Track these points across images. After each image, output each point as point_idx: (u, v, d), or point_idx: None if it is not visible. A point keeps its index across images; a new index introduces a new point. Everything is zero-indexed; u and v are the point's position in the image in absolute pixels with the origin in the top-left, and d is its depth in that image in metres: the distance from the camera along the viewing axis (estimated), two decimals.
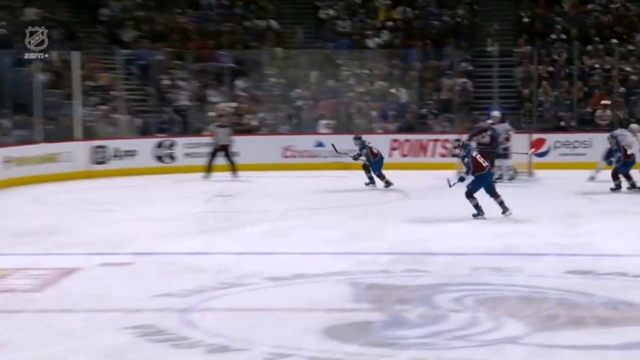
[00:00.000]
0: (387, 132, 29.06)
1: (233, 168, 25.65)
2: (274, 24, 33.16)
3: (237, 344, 10.73)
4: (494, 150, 23.03)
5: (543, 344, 10.67)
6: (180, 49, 31.36)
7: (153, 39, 32.09)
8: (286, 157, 27.65)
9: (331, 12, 33.45)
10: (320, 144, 28.05)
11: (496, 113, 24.73)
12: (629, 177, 21.65)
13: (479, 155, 18.45)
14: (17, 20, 31.02)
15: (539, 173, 24.95)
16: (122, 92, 29.15)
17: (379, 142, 28.06)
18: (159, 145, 27.21)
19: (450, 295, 12.80)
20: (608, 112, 28.44)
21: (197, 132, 28.64)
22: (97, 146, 26.63)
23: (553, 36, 31.94)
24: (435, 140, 27.50)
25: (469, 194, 18.24)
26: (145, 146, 26.87)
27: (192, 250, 16.27)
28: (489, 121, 24.19)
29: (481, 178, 18.19)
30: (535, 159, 26.01)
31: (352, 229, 18.00)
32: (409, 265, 14.64)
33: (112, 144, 27.11)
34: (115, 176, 25.27)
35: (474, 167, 18.13)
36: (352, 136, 24.66)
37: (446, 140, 26.89)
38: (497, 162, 23.46)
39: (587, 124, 28.91)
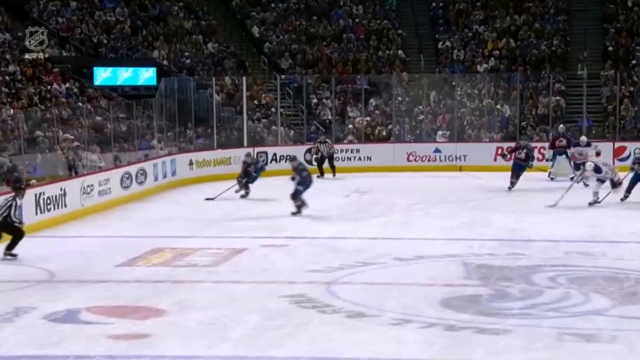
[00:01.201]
0: (492, 140, 28.62)
1: (333, 171, 25.73)
2: (401, 53, 32.95)
3: (370, 311, 10.78)
4: (527, 164, 22.29)
5: (625, 315, 10.49)
6: (326, 74, 31.46)
7: (304, 66, 32.27)
8: (409, 160, 27.44)
9: (448, 43, 33.07)
10: (437, 150, 27.83)
11: (583, 138, 23.83)
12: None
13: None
14: (199, 53, 31.61)
15: (621, 174, 24.20)
16: (279, 109, 29.36)
17: (486, 150, 27.82)
18: (308, 151, 27.27)
19: (546, 275, 12.63)
20: None
21: (338, 141, 28.66)
22: (260, 152, 26.86)
23: (634, 62, 30.98)
24: (533, 148, 26.98)
25: (295, 196, 18.32)
26: (297, 152, 26.90)
27: (334, 234, 16.30)
28: (582, 142, 23.69)
29: (308, 185, 18.42)
30: (619, 163, 25.38)
31: (464, 219, 17.80)
32: (510, 249, 14.48)
33: (271, 150, 27.26)
34: (274, 176, 25.38)
35: (308, 178, 18.43)
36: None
37: (542, 148, 26.33)
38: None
39: None
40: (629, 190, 19.36)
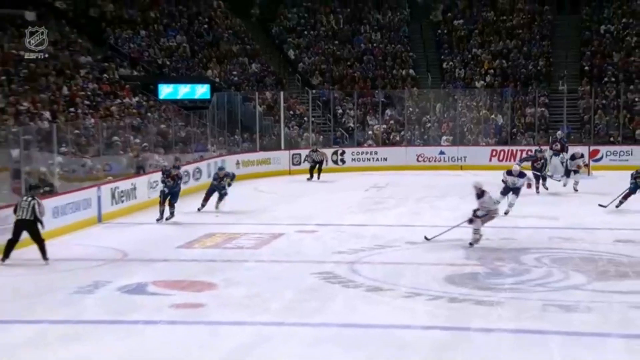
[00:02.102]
0: (488, 144, 28.39)
1: (319, 175, 24.49)
2: (411, 72, 32.70)
3: (386, 285, 10.78)
4: (541, 172, 20.07)
5: (598, 289, 10.48)
6: (349, 89, 31.31)
7: (331, 82, 32.10)
8: (419, 161, 27.30)
9: (451, 63, 32.80)
10: (442, 152, 27.72)
11: (553, 153, 21.99)
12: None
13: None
14: (245, 72, 31.60)
15: (596, 173, 23.94)
16: (311, 118, 29.31)
17: (482, 152, 27.60)
18: (335, 153, 27.23)
19: (533, 256, 12.56)
20: None
21: (360, 144, 28.58)
22: (295, 154, 26.84)
23: (606, 79, 30.50)
24: (522, 150, 26.77)
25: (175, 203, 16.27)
26: (325, 152, 26.89)
27: (356, 222, 16.21)
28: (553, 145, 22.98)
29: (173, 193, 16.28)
30: (593, 163, 25.16)
31: (465, 210, 17.55)
32: (503, 235, 14.36)
33: (304, 152, 26.35)
34: (307, 174, 25.36)
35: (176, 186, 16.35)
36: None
37: (529, 150, 26.16)
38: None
39: (630, 140, 27.69)
40: (625, 197, 17.17)
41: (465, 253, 12.87)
